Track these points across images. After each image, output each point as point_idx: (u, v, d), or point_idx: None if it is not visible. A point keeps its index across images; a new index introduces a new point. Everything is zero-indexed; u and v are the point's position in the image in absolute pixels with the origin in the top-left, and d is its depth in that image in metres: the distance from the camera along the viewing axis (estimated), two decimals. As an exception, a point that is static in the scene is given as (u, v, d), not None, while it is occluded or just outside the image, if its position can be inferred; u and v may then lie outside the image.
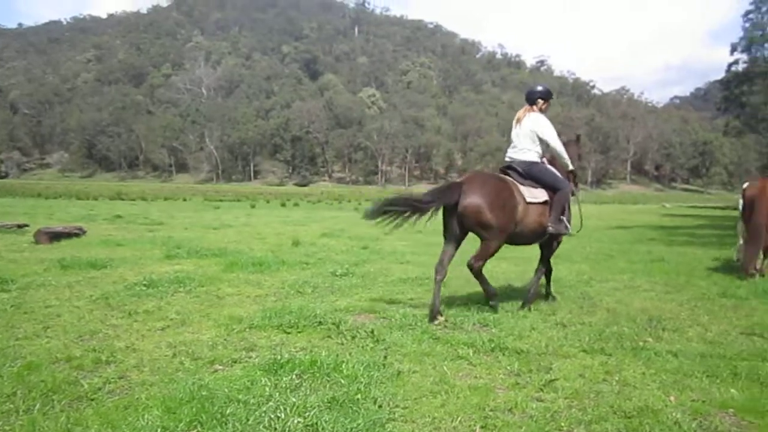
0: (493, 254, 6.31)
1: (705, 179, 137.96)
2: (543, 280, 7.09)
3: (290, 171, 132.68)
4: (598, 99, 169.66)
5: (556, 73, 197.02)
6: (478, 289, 6.68)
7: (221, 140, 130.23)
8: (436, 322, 5.68)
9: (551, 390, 3.93)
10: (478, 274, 6.30)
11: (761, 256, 8.88)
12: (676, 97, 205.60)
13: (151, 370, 4.18)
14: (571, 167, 6.82)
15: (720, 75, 64.56)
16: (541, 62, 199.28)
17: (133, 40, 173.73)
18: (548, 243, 6.80)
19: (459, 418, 3.44)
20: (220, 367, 4.27)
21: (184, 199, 47.46)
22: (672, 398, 3.81)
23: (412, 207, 6.11)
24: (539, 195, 6.34)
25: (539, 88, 6.85)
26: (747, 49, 57.65)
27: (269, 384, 3.88)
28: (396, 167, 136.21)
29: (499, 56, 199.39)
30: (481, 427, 3.33)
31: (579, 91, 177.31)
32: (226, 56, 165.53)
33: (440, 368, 4.33)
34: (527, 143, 6.56)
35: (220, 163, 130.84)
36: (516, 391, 3.90)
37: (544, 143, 6.56)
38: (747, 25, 56.08)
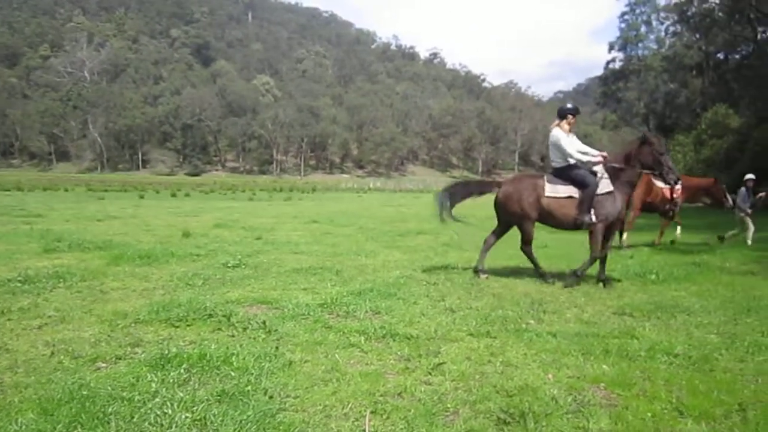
0: (529, 237, 8.02)
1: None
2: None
3: (181, 160, 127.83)
4: (488, 92, 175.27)
5: (449, 65, 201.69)
6: (371, 276, 6.78)
7: (106, 127, 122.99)
8: (481, 277, 7.76)
9: (439, 373, 4.07)
10: (528, 255, 8.12)
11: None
12: (560, 91, 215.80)
13: (26, 371, 3.94)
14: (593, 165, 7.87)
15: (599, 72, 68.46)
16: (435, 55, 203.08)
17: (5, 18, 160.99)
18: (591, 232, 7.75)
19: (350, 405, 3.49)
20: (103, 365, 4.10)
21: (66, 190, 44.74)
22: (550, 376, 4.04)
23: (479, 189, 8.65)
24: (562, 191, 7.72)
25: (568, 105, 8.15)
26: (623, 48, 61.51)
27: (155, 380, 3.77)
28: (291, 157, 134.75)
29: (393, 47, 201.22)
30: (372, 412, 3.40)
31: (470, 84, 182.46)
32: (110, 38, 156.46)
33: (332, 356, 4.37)
34: (553, 154, 7.95)
35: (105, 151, 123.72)
36: (406, 376, 4.00)
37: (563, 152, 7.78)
38: (623, 25, 59.88)
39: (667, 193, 12.13)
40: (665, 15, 56.19)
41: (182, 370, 3.93)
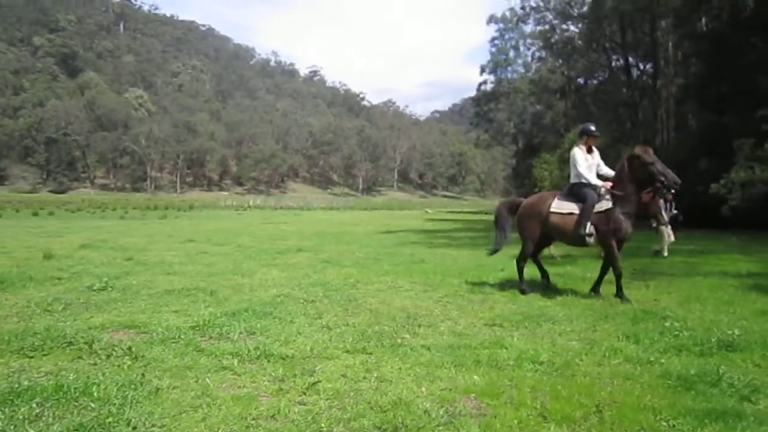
0: (526, 252, 8.54)
1: (461, 186, 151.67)
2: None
3: (45, 176, 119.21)
4: (367, 110, 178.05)
5: (329, 83, 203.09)
6: (247, 295, 6.60)
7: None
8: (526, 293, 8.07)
9: (314, 392, 4.02)
10: (519, 270, 8.51)
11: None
12: (436, 111, 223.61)
13: None
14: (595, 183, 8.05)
15: (473, 93, 71.46)
16: (315, 72, 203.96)
17: None
18: (602, 246, 8.11)
19: (220, 431, 3.37)
20: (-59, 404, 3.69)
21: None
22: (423, 389, 4.11)
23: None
24: (565, 207, 8.09)
25: (589, 126, 8.48)
26: (493, 71, 64.61)
27: (3, 417, 3.45)
28: (167, 173, 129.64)
29: (273, 63, 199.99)
30: (243, 437, 3.29)
31: (350, 102, 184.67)
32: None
33: (203, 381, 4.20)
34: (571, 171, 8.25)
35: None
36: (279, 397, 3.92)
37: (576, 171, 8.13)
38: (493, 49, 62.89)
39: None
40: (531, 41, 59.61)
41: (34, 405, 3.62)
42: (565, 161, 40.05)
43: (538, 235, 8.44)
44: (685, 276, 9.83)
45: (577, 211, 7.96)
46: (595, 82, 50.00)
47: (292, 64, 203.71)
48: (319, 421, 3.52)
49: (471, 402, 3.90)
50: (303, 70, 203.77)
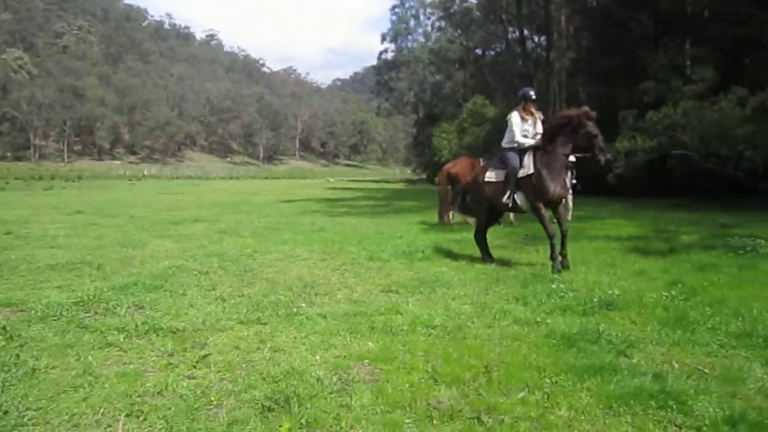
0: (480, 222, 8.59)
1: (363, 155, 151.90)
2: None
3: None
4: (268, 77, 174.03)
5: (227, 48, 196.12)
6: (137, 268, 6.32)
7: None
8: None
9: (204, 365, 3.91)
10: (477, 244, 8.46)
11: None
12: (338, 79, 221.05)
13: None
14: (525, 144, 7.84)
15: (374, 61, 71.46)
16: (212, 36, 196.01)
17: None
18: (531, 211, 7.81)
19: (102, 410, 3.20)
20: None
21: None
22: (317, 357, 4.09)
23: None
24: (497, 175, 7.98)
25: (530, 92, 8.12)
26: (394, 40, 64.88)
27: None
28: (53, 141, 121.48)
29: (167, 26, 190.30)
30: (127, 415, 3.15)
31: (250, 68, 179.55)
32: None
33: (85, 359, 3.98)
34: (506, 137, 8.02)
35: None
36: (168, 372, 3.78)
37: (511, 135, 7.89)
38: (394, 18, 63.06)
39: None
40: (431, 11, 60.27)
41: None
42: (464, 130, 40.83)
43: (484, 207, 8.38)
44: (572, 240, 10.22)
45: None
46: (492, 53, 51.31)
47: (187, 28, 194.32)
48: (209, 394, 3.43)
49: (365, 368, 3.92)
50: (199, 34, 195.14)
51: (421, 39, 65.32)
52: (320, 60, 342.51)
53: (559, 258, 7.37)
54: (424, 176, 56.78)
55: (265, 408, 3.23)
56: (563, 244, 7.45)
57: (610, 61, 26.53)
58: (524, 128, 7.91)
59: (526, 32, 41.23)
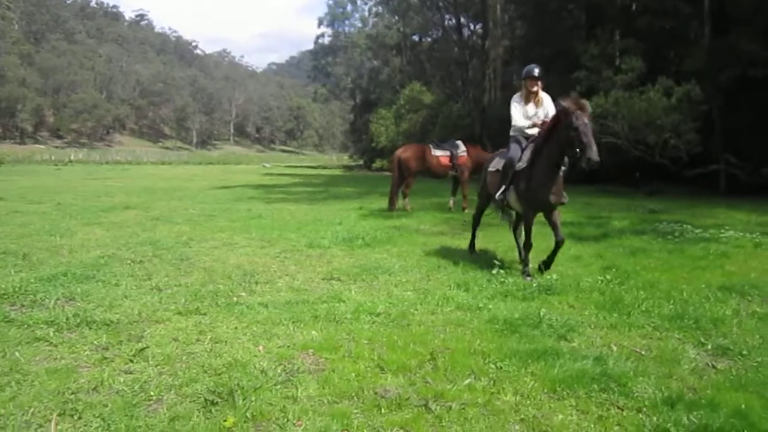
0: (477, 212, 8.05)
1: (300, 141, 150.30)
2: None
3: None
4: (201, 60, 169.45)
5: (158, 29, 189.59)
6: (66, 258, 6.03)
7: None
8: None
9: (142, 359, 3.76)
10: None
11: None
12: (273, 63, 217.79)
13: None
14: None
15: (311, 46, 70.71)
16: (141, 16, 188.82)
17: None
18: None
19: (32, 410, 3.03)
20: None
21: None
22: (260, 348, 4.00)
23: None
24: (497, 166, 7.16)
25: (534, 70, 6.87)
26: (331, 24, 64.29)
27: None
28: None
29: (94, 4, 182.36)
30: (60, 414, 3.00)
31: (182, 51, 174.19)
32: None
33: (12, 355, 3.77)
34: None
35: None
36: (102, 367, 3.62)
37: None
38: (330, 2, 62.41)
39: (444, 160, 13.08)
40: (368, -5, 59.89)
41: None
42: (401, 117, 40.83)
43: (484, 199, 7.74)
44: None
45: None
46: (429, 40, 51.43)
47: (115, 6, 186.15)
48: (148, 389, 3.30)
49: (309, 358, 3.86)
50: (128, 14, 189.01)
51: (359, 24, 65.02)
52: (255, 43, 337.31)
53: (530, 266, 6.59)
54: (361, 162, 56.66)
55: (207, 402, 3.13)
56: (554, 253, 6.53)
57: (544, 51, 27.02)
58: (527, 112, 6.89)
59: (462, 20, 41.55)
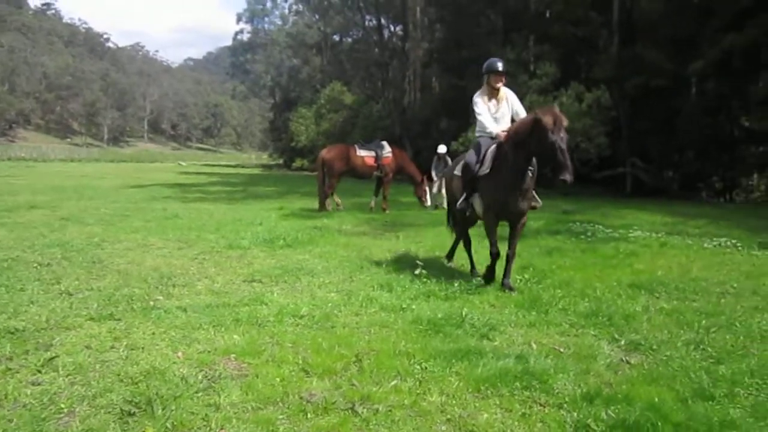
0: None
1: (217, 139, 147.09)
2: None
3: None
4: (113, 53, 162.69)
5: (66, 20, 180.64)
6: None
7: None
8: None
9: (51, 369, 3.55)
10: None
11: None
12: (190, 58, 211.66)
13: None
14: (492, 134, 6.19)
15: (229, 42, 69.31)
16: (48, 5, 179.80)
17: None
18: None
19: (-74, 427, 2.80)
20: None
21: None
22: (180, 354, 3.86)
23: None
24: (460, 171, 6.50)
25: (496, 64, 6.47)
26: (250, 21, 63.18)
27: None
28: None
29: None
30: (-42, 431, 2.78)
31: (92, 43, 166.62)
32: None
33: None
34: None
35: None
36: (7, 379, 3.39)
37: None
38: (251, -3, 61.34)
39: (369, 161, 13.02)
40: (288, -8, 59.29)
41: None
42: (321, 116, 40.75)
43: (453, 202, 6.94)
44: (430, 227, 10.60)
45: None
46: (349, 40, 51.45)
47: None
48: (58, 401, 3.11)
49: (231, 363, 3.75)
50: (33, 2, 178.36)
51: (279, 21, 64.28)
52: (171, 38, 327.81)
53: (478, 270, 6.56)
54: (281, 161, 56.03)
55: (124, 413, 2.98)
56: (507, 268, 6.01)
57: (461, 53, 27.55)
58: (490, 110, 6.39)
59: (383, 21, 41.75)
